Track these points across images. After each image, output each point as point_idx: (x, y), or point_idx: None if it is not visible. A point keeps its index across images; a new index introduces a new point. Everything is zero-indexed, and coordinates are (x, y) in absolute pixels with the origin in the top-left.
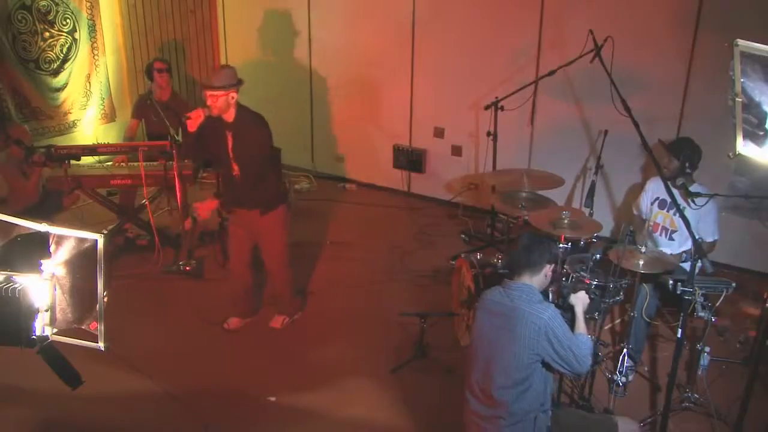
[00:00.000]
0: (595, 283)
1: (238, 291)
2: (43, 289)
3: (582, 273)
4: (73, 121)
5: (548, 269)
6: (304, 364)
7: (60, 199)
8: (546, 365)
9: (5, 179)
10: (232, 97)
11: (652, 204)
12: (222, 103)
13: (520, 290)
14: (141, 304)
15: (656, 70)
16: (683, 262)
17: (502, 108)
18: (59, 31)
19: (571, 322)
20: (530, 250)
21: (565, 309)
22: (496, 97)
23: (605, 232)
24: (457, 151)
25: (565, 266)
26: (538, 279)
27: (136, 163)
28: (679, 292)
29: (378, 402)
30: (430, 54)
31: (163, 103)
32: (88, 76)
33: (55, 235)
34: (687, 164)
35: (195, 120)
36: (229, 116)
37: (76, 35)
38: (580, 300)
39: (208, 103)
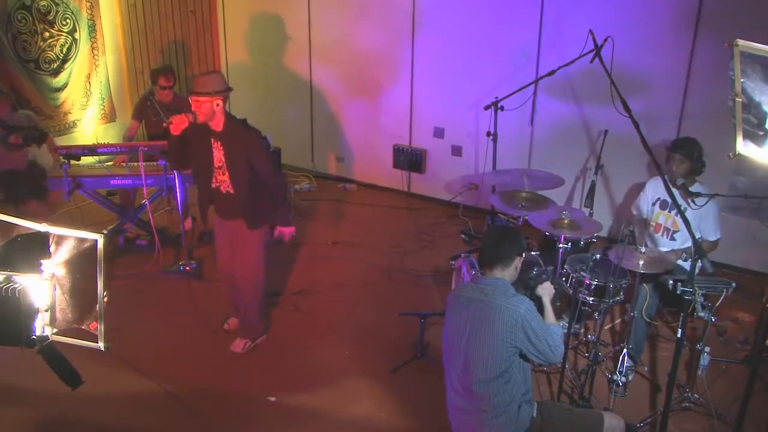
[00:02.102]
0: (596, 283)
1: (231, 295)
2: (43, 289)
3: (582, 273)
4: (73, 121)
5: (518, 262)
6: (304, 364)
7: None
8: (523, 356)
9: None
10: (217, 105)
11: (653, 204)
12: (207, 109)
13: (494, 285)
14: (141, 304)
15: (656, 70)
16: (684, 261)
17: (502, 108)
18: (59, 31)
19: (539, 313)
20: (500, 244)
21: (532, 300)
22: (496, 97)
23: (605, 232)
24: (457, 151)
25: (565, 266)
26: (509, 272)
27: (136, 163)
28: (679, 292)
29: (378, 402)
30: (430, 54)
31: (164, 104)
32: (88, 76)
33: (55, 235)
34: (698, 166)
35: (178, 125)
36: (217, 125)
37: (76, 35)
38: (546, 291)
39: (193, 108)
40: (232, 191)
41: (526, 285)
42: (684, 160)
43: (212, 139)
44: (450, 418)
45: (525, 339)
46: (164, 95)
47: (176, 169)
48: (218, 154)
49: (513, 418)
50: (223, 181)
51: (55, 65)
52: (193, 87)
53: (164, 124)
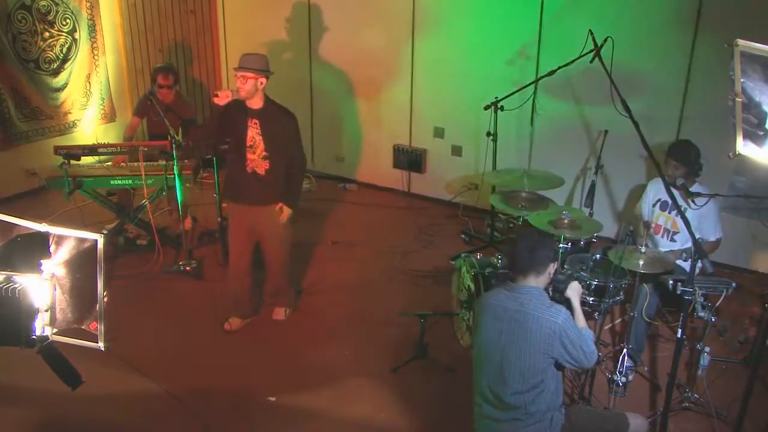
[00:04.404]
0: (595, 283)
1: (238, 292)
2: (43, 289)
3: (582, 273)
4: (73, 121)
5: (552, 268)
6: (304, 364)
7: None
8: (557, 364)
9: None
10: (261, 83)
11: (653, 206)
12: (250, 86)
13: (530, 294)
14: (141, 304)
15: (656, 70)
16: (684, 261)
17: (502, 108)
18: (59, 31)
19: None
20: (534, 251)
21: (561, 303)
22: (496, 97)
23: (605, 232)
24: (457, 151)
25: (564, 266)
26: (543, 279)
27: (136, 163)
28: (679, 292)
29: (378, 402)
30: (430, 54)
31: (164, 105)
32: (88, 76)
33: (55, 235)
34: (695, 169)
35: (223, 98)
36: (256, 103)
37: (76, 35)
38: (575, 291)
39: (237, 84)
40: (259, 171)
41: (555, 287)
42: (679, 166)
43: (248, 118)
44: (476, 426)
45: (562, 349)
46: (163, 94)
47: (206, 139)
48: (252, 133)
49: (546, 427)
50: (251, 159)
51: (55, 65)
52: (240, 63)
53: (210, 94)
